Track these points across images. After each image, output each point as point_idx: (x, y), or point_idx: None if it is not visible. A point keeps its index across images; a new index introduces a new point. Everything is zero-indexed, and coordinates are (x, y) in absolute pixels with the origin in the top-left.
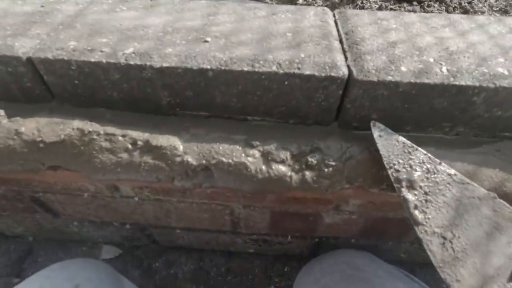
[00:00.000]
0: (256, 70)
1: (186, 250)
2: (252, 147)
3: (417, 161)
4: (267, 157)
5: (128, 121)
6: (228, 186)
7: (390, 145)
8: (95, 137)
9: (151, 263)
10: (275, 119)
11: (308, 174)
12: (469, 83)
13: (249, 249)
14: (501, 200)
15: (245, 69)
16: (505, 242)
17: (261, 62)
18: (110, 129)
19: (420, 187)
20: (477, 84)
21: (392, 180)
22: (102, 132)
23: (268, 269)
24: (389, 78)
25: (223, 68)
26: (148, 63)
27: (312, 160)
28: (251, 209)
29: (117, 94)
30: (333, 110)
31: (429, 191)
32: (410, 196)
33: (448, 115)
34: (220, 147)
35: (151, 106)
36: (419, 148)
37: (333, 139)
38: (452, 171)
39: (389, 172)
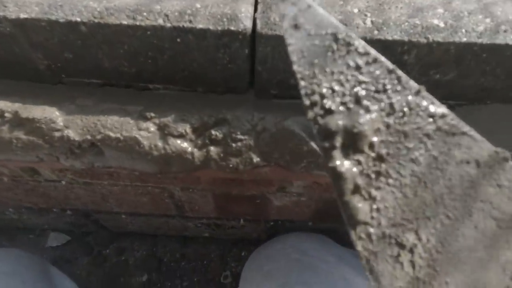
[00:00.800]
0: (138, 23)
1: (140, 236)
2: (146, 119)
3: (374, 87)
4: (163, 131)
5: (1, 90)
6: (123, 165)
7: (319, 46)
8: None
9: (101, 250)
10: (180, 87)
11: (213, 150)
12: (396, 37)
13: (204, 233)
14: None
15: (124, 22)
16: (506, 246)
17: (145, 13)
18: None
19: (371, 145)
20: (405, 38)
21: (315, 131)
22: None
23: (225, 254)
24: None
25: (97, 21)
26: (1, 14)
27: (216, 133)
28: (190, 191)
29: None
30: (245, 74)
31: (388, 154)
32: (347, 168)
33: None
34: (108, 120)
35: (29, 72)
36: (382, 58)
37: (243, 109)
38: (439, 110)
39: (309, 115)
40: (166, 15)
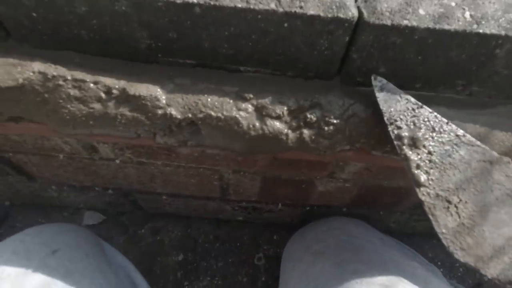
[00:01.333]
0: (252, 7)
1: (173, 217)
2: (245, 100)
3: (422, 119)
4: (261, 112)
5: (100, 67)
6: (217, 144)
7: (393, 100)
8: (61, 82)
9: (136, 230)
10: (271, 71)
11: (306, 132)
12: (494, 31)
13: (238, 217)
14: None
15: (239, 5)
16: None
17: None
18: (79, 74)
19: (424, 146)
20: (502, 33)
21: (393, 137)
22: (69, 77)
23: (257, 237)
24: (405, 22)
25: (212, 3)
26: None
27: (311, 116)
28: (241, 175)
29: (86, 34)
30: (337, 61)
31: (434, 151)
32: (412, 155)
33: (464, 70)
34: (209, 99)
35: (128, 50)
36: (425, 106)
37: (334, 94)
38: (460, 132)
39: (390, 128)
40: (279, 0)
